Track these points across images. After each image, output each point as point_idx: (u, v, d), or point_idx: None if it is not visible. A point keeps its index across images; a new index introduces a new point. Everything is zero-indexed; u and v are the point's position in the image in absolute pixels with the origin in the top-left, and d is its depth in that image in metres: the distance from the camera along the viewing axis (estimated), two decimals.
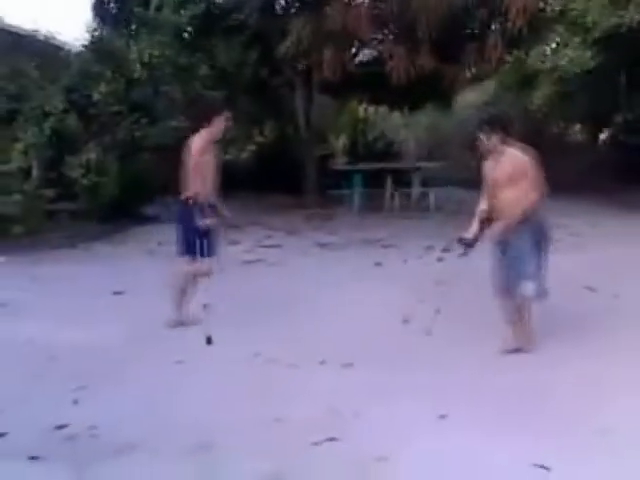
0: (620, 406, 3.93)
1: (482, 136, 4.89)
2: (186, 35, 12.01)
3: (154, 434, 3.67)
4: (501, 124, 4.96)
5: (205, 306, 5.20)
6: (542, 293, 4.83)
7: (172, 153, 11.38)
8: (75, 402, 4.09)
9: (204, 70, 11.47)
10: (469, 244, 5.07)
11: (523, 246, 4.78)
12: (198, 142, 5.37)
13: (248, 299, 6.24)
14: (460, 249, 5.13)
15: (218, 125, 5.44)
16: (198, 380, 4.46)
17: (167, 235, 9.59)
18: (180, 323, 5.55)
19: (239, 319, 5.64)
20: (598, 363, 4.60)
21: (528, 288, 4.78)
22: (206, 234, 5.39)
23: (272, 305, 5.88)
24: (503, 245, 4.93)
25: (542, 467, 3.25)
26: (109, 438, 3.63)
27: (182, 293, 5.60)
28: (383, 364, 4.65)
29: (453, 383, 4.34)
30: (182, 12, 10.89)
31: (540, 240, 4.81)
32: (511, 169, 4.78)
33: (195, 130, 5.50)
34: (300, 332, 5.36)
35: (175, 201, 5.66)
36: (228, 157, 11.53)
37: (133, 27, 12.04)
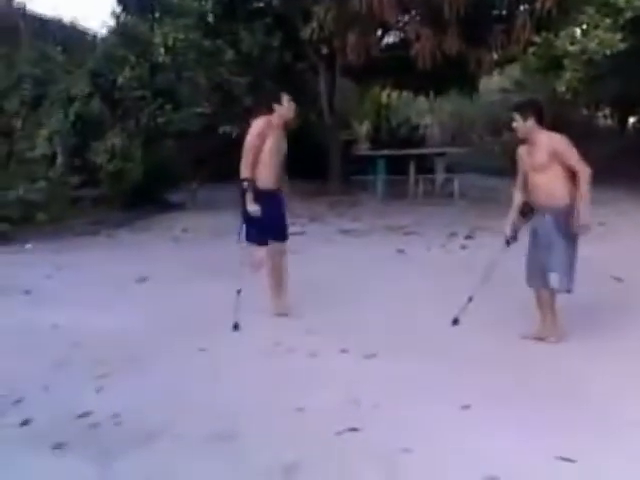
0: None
1: (517, 120, 4.83)
2: (210, 20, 11.98)
3: (177, 422, 3.69)
4: (535, 109, 4.90)
5: (238, 292, 5.21)
6: (568, 286, 4.76)
7: (196, 139, 11.54)
8: (99, 390, 4.12)
9: (229, 55, 11.44)
10: (513, 238, 5.04)
11: (550, 234, 4.73)
12: (256, 126, 5.34)
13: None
14: (505, 245, 5.05)
15: (280, 110, 5.38)
16: (221, 368, 4.47)
17: (191, 222, 9.73)
18: (283, 309, 5.52)
19: (262, 306, 5.64)
20: (626, 356, 4.52)
21: (554, 279, 4.73)
22: (255, 220, 5.32)
23: (294, 293, 5.86)
24: (535, 233, 4.89)
25: (567, 460, 3.21)
26: (133, 425, 3.66)
27: (273, 280, 5.55)
28: (407, 354, 4.61)
29: (477, 374, 4.29)
30: None
31: (569, 230, 4.73)
32: (550, 151, 4.71)
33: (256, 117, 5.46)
34: (322, 321, 5.34)
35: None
36: None
37: (157, 14, 12.04)
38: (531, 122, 4.79)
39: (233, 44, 11.53)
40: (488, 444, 3.36)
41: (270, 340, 4.94)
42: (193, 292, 6.18)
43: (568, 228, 4.70)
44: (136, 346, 4.85)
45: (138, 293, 6.31)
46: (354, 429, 3.53)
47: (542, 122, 4.85)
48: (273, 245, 5.50)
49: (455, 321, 5.17)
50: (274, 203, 5.42)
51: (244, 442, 3.49)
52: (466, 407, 3.78)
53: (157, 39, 10.65)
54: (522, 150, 4.96)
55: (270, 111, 5.38)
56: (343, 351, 4.71)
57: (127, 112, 10.63)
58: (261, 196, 5.29)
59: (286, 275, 5.59)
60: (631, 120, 15.67)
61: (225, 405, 3.90)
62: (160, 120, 10.57)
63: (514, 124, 4.89)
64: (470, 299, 5.11)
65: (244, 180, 5.28)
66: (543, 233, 4.81)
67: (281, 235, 5.54)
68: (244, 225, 5.40)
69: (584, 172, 4.66)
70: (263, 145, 5.29)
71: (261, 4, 11.74)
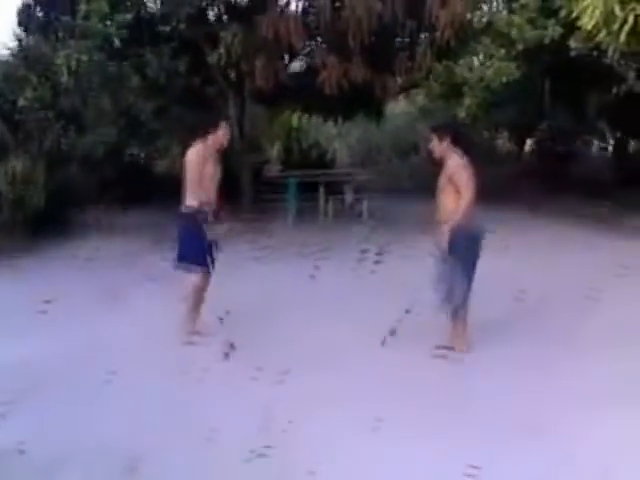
0: (547, 407, 4.07)
1: (433, 141, 5.03)
2: (115, 44, 11.80)
3: (82, 452, 3.60)
4: (451, 131, 5.13)
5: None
6: (465, 299, 4.97)
7: (102, 163, 11.30)
8: (2, 417, 3.96)
9: (135, 79, 11.29)
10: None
11: (451, 252, 4.93)
12: (197, 153, 5.41)
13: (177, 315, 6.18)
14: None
15: (216, 136, 5.49)
16: (128, 395, 4.40)
17: (97, 248, 9.48)
18: (196, 333, 5.54)
19: (171, 333, 5.59)
20: (527, 366, 4.76)
21: (453, 294, 4.97)
22: (209, 245, 5.45)
23: (206, 318, 5.83)
24: (441, 252, 5.09)
25: (473, 467, 3.34)
26: (36, 454, 3.54)
27: (195, 305, 5.60)
28: (320, 372, 4.69)
29: (387, 386, 4.43)
30: (109, 21, 10.67)
31: (470, 249, 4.95)
32: (450, 174, 4.93)
33: (191, 142, 5.54)
34: (235, 343, 5.34)
35: (176, 212, 5.60)
36: (159, 166, 11.36)
37: (60, 34, 11.76)
38: (445, 145, 5.00)
39: (139, 68, 11.39)
40: (398, 458, 3.46)
41: (181, 365, 4.89)
42: (99, 320, 6.05)
43: (459, 245, 4.90)
44: (40, 375, 4.71)
45: (42, 322, 6.10)
46: (264, 455, 3.55)
47: (457, 144, 5.06)
48: (203, 269, 5.52)
49: (391, 333, 5.22)
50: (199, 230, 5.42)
51: (149, 473, 3.43)
52: (378, 422, 3.87)
53: (60, 60, 10.39)
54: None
55: (205, 135, 5.48)
56: (255, 372, 4.71)
57: (29, 135, 10.30)
58: (195, 219, 5.35)
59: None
60: (528, 143, 16.52)
61: (132, 434, 3.84)
62: (64, 143, 10.30)
63: (431, 144, 5.10)
64: (408, 311, 5.20)
65: (199, 209, 5.33)
66: (444, 249, 5.04)
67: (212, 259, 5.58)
68: (199, 250, 5.41)
69: (464, 199, 4.90)
70: (204, 170, 5.37)
71: (167, 28, 11.64)
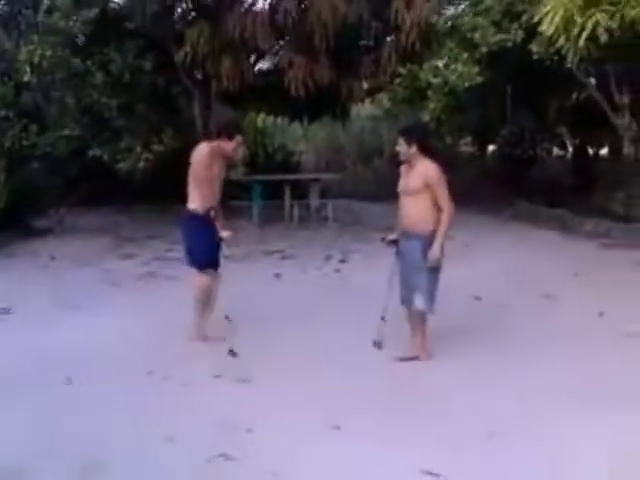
0: (505, 412, 4.09)
1: (400, 144, 4.97)
2: (79, 40, 11.58)
3: (45, 456, 3.53)
4: (419, 135, 5.07)
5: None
6: (430, 307, 4.97)
7: (65, 163, 11.07)
8: None
9: (99, 77, 11.10)
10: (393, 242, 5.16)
11: (415, 259, 4.92)
12: (204, 156, 5.27)
13: (141, 315, 6.08)
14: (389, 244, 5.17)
15: (226, 145, 5.33)
16: (88, 399, 4.30)
17: (58, 249, 9.28)
18: (204, 337, 5.40)
19: (132, 336, 5.49)
20: (486, 372, 4.77)
21: (418, 300, 4.93)
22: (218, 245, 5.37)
23: (166, 321, 5.74)
24: (401, 254, 5.07)
25: (431, 474, 3.33)
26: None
27: (204, 306, 5.44)
28: (280, 378, 4.63)
29: (349, 392, 4.39)
30: (73, 17, 10.45)
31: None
32: (424, 180, 4.86)
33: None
34: (194, 348, 5.28)
35: (182, 212, 5.48)
36: (123, 166, 11.15)
37: (23, 29, 11.49)
38: (414, 149, 4.95)
39: (103, 65, 11.21)
40: (356, 462, 3.45)
41: (142, 369, 4.80)
42: (59, 323, 5.90)
43: (427, 248, 4.89)
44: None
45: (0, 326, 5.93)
46: (225, 455, 3.50)
47: (425, 149, 5.00)
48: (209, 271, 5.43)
49: (377, 344, 5.12)
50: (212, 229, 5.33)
51: (113, 475, 3.37)
52: (337, 427, 3.85)
53: (22, 56, 10.15)
54: (402, 170, 5.10)
55: (216, 137, 5.35)
56: (216, 377, 4.66)
57: None
58: (197, 220, 5.27)
59: (214, 302, 5.54)
60: (490, 148, 16.68)
61: (94, 437, 3.76)
62: (25, 142, 10.06)
63: (397, 147, 5.04)
64: (383, 318, 5.15)
65: (209, 210, 5.25)
66: (409, 256, 4.99)
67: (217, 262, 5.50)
68: (205, 253, 5.32)
69: (447, 211, 4.85)
70: (210, 173, 5.27)
71: (132, 25, 11.48)
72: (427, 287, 4.90)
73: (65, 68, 10.56)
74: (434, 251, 4.84)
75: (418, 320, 5.07)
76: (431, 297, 4.93)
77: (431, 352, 5.06)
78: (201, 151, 5.33)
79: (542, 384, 4.50)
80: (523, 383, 4.53)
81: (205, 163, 5.26)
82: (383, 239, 5.25)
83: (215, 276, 5.48)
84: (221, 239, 5.37)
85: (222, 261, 5.55)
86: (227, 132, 5.35)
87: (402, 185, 5.06)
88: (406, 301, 5.07)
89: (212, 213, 5.31)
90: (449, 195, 4.89)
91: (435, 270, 4.93)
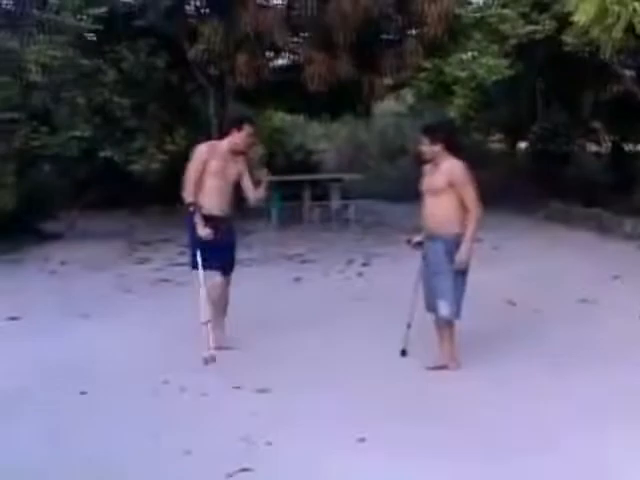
0: (538, 423, 4.03)
1: (424, 143, 4.95)
2: (90, 38, 11.70)
3: (59, 470, 3.54)
4: (445, 135, 5.04)
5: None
6: (456, 314, 4.92)
7: (76, 164, 11.19)
8: None
9: (110, 75, 11.20)
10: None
11: (439, 262, 4.88)
12: (201, 149, 5.42)
13: (155, 323, 6.10)
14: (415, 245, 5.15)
15: (234, 138, 5.41)
16: (103, 413, 4.31)
17: (70, 254, 9.36)
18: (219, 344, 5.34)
19: (147, 345, 5.51)
20: (519, 381, 4.72)
21: (442, 307, 4.89)
22: (206, 245, 5.29)
23: (180, 329, 5.74)
24: (425, 258, 5.03)
25: None
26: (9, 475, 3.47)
27: (211, 311, 5.39)
28: (302, 388, 4.62)
29: (374, 402, 4.37)
30: (83, 15, 10.56)
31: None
32: (449, 179, 4.83)
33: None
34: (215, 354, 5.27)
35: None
36: (136, 167, 11.22)
37: (31, 29, 11.63)
38: (438, 148, 4.92)
39: (115, 64, 11.31)
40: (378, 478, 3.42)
41: (158, 378, 4.81)
42: (71, 333, 5.93)
43: (453, 252, 4.84)
44: (10, 393, 4.59)
45: (9, 334, 5.98)
46: (245, 469, 3.49)
47: (450, 148, 4.98)
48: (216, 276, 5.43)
49: (403, 352, 5.16)
50: (219, 232, 5.32)
51: None
52: (362, 440, 3.82)
53: (30, 57, 10.27)
54: (425, 169, 5.08)
55: (226, 134, 5.48)
56: (236, 387, 4.66)
57: None
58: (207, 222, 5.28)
59: (226, 308, 5.54)
60: (522, 145, 16.55)
61: (109, 450, 3.76)
62: (35, 144, 10.17)
63: (421, 147, 5.01)
64: (409, 325, 5.13)
65: (190, 205, 5.30)
66: (433, 260, 4.95)
67: (224, 267, 5.46)
68: (198, 252, 5.33)
69: (475, 213, 4.82)
70: (206, 170, 5.31)
71: (145, 23, 11.56)
72: (452, 293, 4.85)
73: (75, 67, 10.67)
74: (462, 253, 4.79)
75: (445, 327, 5.03)
76: (457, 303, 4.88)
77: (459, 360, 5.01)
78: (197, 148, 5.48)
79: (579, 394, 4.43)
80: (559, 394, 4.47)
81: (197, 159, 5.36)
82: (409, 241, 5.22)
83: (220, 280, 5.45)
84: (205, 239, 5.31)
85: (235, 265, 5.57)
86: (234, 124, 5.45)
87: (426, 184, 5.02)
88: (431, 307, 5.03)
89: (191, 209, 5.31)
90: (477, 195, 4.86)
91: (461, 274, 4.88)
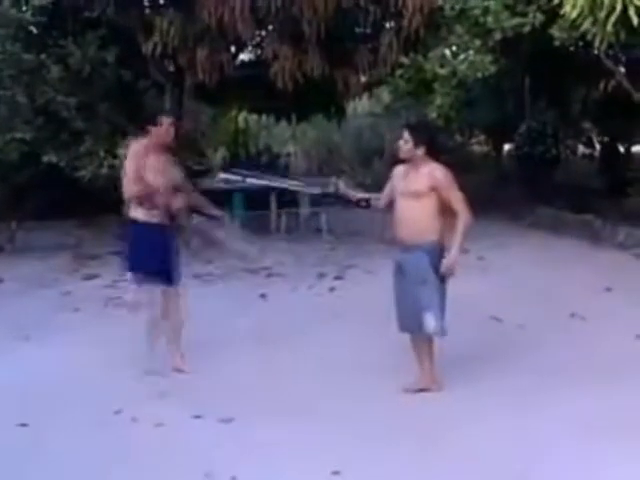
0: (525, 450, 4.05)
1: (406, 140, 4.94)
2: (32, 30, 11.58)
3: None
4: (427, 134, 5.10)
5: None
6: (442, 328, 4.93)
7: (15, 170, 11.01)
8: None
9: (55, 72, 11.08)
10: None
11: (423, 272, 4.87)
12: (131, 149, 5.58)
13: (104, 344, 6.02)
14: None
15: (156, 132, 5.53)
16: (47, 445, 4.25)
17: (9, 269, 9.19)
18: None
19: (95, 370, 5.43)
20: (507, 402, 4.74)
21: (428, 320, 4.87)
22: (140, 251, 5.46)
23: (130, 353, 5.67)
24: (401, 270, 5.01)
25: None
26: None
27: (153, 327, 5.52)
28: (269, 416, 4.58)
29: (349, 430, 4.34)
30: (25, 5, 10.48)
31: (439, 267, 4.90)
32: (431, 183, 4.84)
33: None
34: (170, 383, 5.23)
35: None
36: (82, 173, 11.08)
37: None
38: (421, 151, 4.91)
39: (60, 59, 11.19)
40: None
41: (108, 407, 4.74)
42: (14, 359, 5.83)
43: (439, 265, 4.87)
44: None
45: None
46: None
47: (432, 153, 4.99)
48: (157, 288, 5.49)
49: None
50: (157, 238, 5.41)
51: None
52: (336, 473, 3.80)
53: None
54: (398, 171, 5.08)
55: (146, 133, 5.59)
56: (196, 417, 4.61)
57: None
58: (142, 230, 5.39)
59: (179, 325, 5.57)
60: (507, 147, 16.72)
61: None
62: None
63: (400, 142, 4.99)
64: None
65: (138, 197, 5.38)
66: (413, 271, 4.91)
67: (165, 277, 5.49)
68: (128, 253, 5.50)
69: (464, 215, 4.84)
70: (143, 165, 5.40)
71: (94, 14, 11.46)
72: (438, 305, 4.86)
73: (15, 64, 10.55)
74: (451, 257, 4.81)
75: (424, 345, 5.03)
76: (442, 316, 4.89)
77: (441, 382, 5.01)
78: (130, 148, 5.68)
79: (569, 416, 4.46)
80: (548, 415, 4.50)
81: (132, 156, 5.50)
82: (358, 201, 5.25)
83: (168, 292, 5.51)
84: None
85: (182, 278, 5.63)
86: (151, 122, 5.59)
87: (402, 187, 5.00)
88: (410, 326, 5.00)
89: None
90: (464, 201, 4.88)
91: (443, 286, 4.89)
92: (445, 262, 4.82)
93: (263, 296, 7.87)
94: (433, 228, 4.88)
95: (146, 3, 12.54)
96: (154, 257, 5.41)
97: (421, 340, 5.02)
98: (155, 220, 5.43)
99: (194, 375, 5.33)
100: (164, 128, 5.57)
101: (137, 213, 5.45)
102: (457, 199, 4.87)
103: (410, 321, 4.97)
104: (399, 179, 5.05)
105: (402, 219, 4.97)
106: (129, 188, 5.41)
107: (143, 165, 5.40)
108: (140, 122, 5.83)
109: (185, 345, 5.57)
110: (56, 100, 11.02)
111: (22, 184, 11.24)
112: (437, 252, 4.86)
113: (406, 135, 4.96)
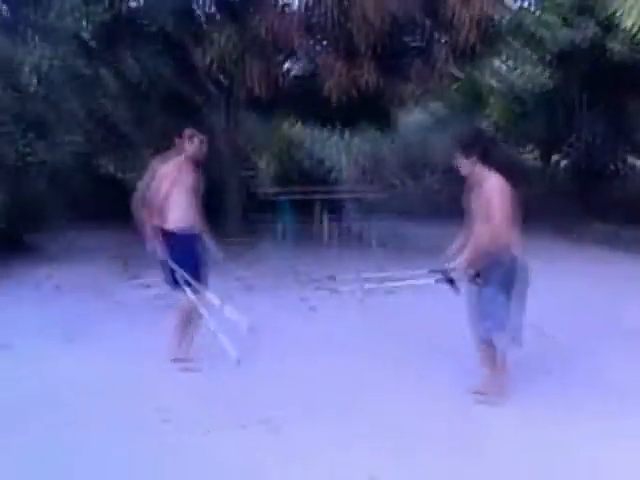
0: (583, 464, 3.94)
1: (459, 159, 4.91)
2: (90, 44, 11.80)
3: None
4: (478, 148, 4.98)
5: None
6: (515, 342, 4.89)
7: (71, 177, 11.20)
8: None
9: (112, 85, 11.28)
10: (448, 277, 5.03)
11: (493, 289, 4.82)
12: (165, 169, 5.63)
13: (154, 352, 6.05)
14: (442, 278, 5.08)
15: (186, 148, 5.65)
16: (90, 449, 4.28)
17: (61, 272, 9.31)
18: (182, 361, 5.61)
19: (144, 376, 5.47)
20: (559, 416, 4.66)
21: (497, 337, 4.88)
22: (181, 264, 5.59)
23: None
24: (477, 286, 4.96)
25: None
26: None
27: (182, 329, 5.73)
28: (310, 421, 4.60)
29: (392, 436, 4.36)
30: (85, 19, 10.67)
31: (513, 282, 4.81)
32: (488, 198, 4.77)
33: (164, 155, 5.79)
34: (215, 392, 5.23)
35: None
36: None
37: (28, 35, 11.74)
38: (478, 167, 4.86)
39: (118, 72, 11.37)
40: None
41: (152, 417, 4.74)
42: (64, 358, 5.93)
43: (507, 277, 4.78)
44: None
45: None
46: None
47: (486, 162, 4.91)
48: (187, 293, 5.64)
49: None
50: (184, 247, 5.58)
51: None
52: (373, 478, 3.80)
53: (27, 64, 10.36)
54: (471, 194, 4.99)
55: (178, 149, 5.70)
56: (242, 426, 4.59)
57: None
58: (171, 238, 5.56)
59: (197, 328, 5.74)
60: (556, 158, 16.36)
61: None
62: (29, 158, 10.22)
63: (456, 162, 4.95)
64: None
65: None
66: (482, 286, 4.90)
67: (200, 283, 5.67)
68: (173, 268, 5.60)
69: (496, 222, 4.70)
70: (172, 186, 5.54)
71: (152, 28, 11.62)
72: (505, 320, 4.83)
73: (74, 77, 10.75)
74: (460, 263, 4.84)
75: (491, 357, 5.04)
76: (513, 330, 4.86)
77: (505, 394, 4.97)
78: (163, 168, 5.70)
79: (626, 441, 4.32)
80: (606, 431, 4.38)
81: (165, 175, 5.62)
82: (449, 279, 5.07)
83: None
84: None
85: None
86: (183, 136, 5.70)
87: (472, 204, 4.95)
88: (480, 337, 5.00)
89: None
90: (510, 211, 4.75)
91: (515, 298, 4.82)
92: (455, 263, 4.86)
93: (312, 308, 7.85)
94: (491, 241, 4.77)
95: (203, 18, 12.68)
96: (192, 265, 5.61)
97: (489, 351, 5.01)
98: (189, 231, 5.62)
99: (236, 385, 5.32)
100: (196, 145, 5.64)
101: (171, 224, 5.59)
102: (495, 207, 4.73)
103: (479, 332, 5.00)
104: (471, 202, 4.97)
105: (472, 239, 4.93)
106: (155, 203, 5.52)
107: (174, 182, 5.51)
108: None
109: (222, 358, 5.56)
110: (114, 114, 11.20)
111: (77, 192, 11.44)
112: (503, 267, 4.79)
113: (460, 155, 4.91)
